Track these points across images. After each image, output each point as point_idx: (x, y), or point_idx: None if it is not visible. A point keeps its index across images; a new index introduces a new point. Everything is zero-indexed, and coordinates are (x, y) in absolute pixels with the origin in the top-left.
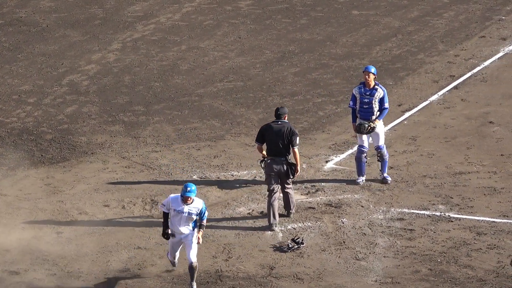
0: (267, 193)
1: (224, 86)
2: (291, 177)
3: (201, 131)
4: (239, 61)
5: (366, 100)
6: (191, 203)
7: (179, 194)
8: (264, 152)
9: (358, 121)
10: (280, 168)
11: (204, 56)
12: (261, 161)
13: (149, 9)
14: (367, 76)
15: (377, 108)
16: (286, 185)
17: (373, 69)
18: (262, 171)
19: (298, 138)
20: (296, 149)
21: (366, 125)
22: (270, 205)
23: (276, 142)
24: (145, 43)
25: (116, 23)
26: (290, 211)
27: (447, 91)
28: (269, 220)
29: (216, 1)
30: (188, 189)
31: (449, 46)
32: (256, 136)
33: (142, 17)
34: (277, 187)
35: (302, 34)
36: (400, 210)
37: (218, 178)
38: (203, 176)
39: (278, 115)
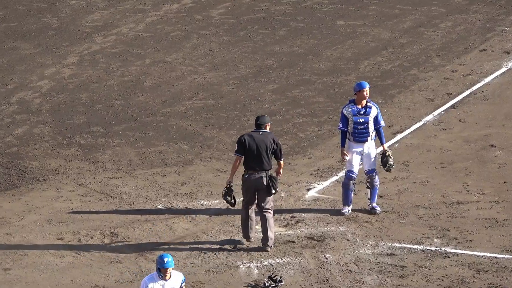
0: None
1: (193, 104)
2: (273, 192)
3: (167, 155)
4: (210, 76)
5: (361, 120)
6: (170, 278)
7: (153, 273)
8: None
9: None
10: (260, 183)
11: (170, 71)
12: (228, 190)
13: (109, 19)
14: (365, 93)
15: (372, 128)
16: (265, 206)
17: (368, 85)
18: (236, 200)
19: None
20: (282, 162)
21: (391, 160)
22: (247, 217)
23: (258, 155)
24: (105, 56)
25: (72, 34)
26: (268, 245)
27: (443, 111)
28: (245, 234)
29: (185, 9)
30: (166, 260)
31: (446, 61)
32: (236, 147)
33: (102, 27)
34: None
35: (281, 46)
36: (390, 244)
37: (186, 207)
38: (170, 206)
39: (258, 124)
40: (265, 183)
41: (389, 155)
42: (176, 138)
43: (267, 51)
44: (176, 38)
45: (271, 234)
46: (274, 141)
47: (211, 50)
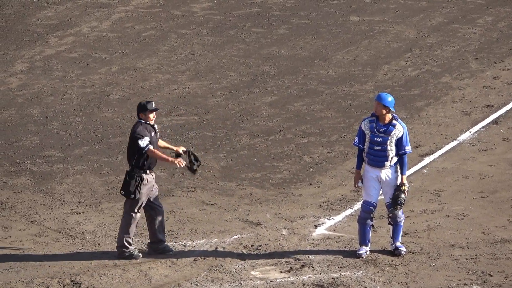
0: None
1: (172, 121)
2: (130, 197)
3: None
4: (192, 86)
5: (378, 140)
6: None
7: None
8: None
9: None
10: None
11: (143, 80)
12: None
13: (66, 15)
14: (383, 111)
15: (393, 152)
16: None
17: (390, 98)
18: (226, 240)
19: (140, 141)
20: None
21: (402, 197)
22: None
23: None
24: (61, 62)
25: (21, 34)
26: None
27: (483, 128)
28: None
29: (160, 4)
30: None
31: (486, 65)
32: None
33: (57, 26)
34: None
35: (280, 49)
36: None
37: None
38: (144, 247)
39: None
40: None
41: (404, 189)
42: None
43: (263, 54)
44: (150, 39)
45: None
46: (132, 131)
47: (193, 54)
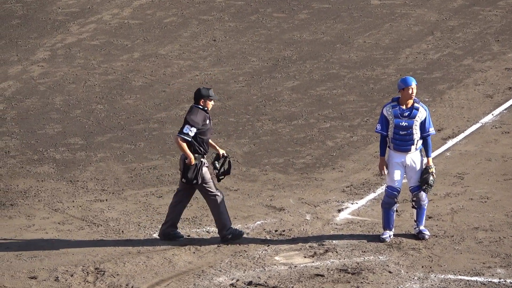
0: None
1: None
2: (193, 182)
3: (163, 172)
4: (214, 72)
5: (403, 124)
6: None
7: None
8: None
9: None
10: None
11: (165, 66)
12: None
13: (87, 3)
14: (410, 92)
15: (418, 135)
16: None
17: (414, 82)
18: (250, 225)
19: (187, 126)
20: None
21: (431, 179)
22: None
23: None
24: (83, 50)
25: (42, 23)
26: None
27: (505, 110)
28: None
29: None
30: None
31: (508, 47)
32: None
33: (78, 14)
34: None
35: (301, 33)
36: (443, 276)
37: (189, 236)
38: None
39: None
40: (180, 167)
41: (432, 172)
42: (174, 149)
43: (285, 39)
44: (171, 25)
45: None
46: (187, 114)
47: (214, 40)
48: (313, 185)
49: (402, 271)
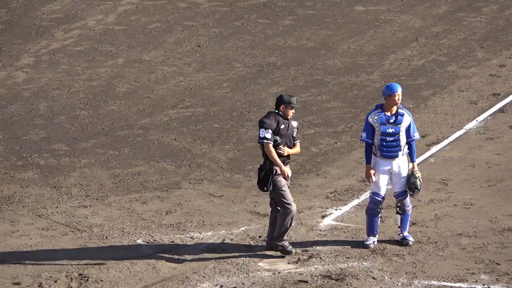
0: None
1: (178, 113)
2: (264, 189)
3: (147, 177)
4: (199, 78)
5: (390, 131)
6: None
7: None
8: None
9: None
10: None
11: (149, 72)
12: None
13: (71, 9)
14: (396, 98)
15: (404, 140)
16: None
17: (400, 88)
18: (234, 232)
19: (261, 130)
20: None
21: (419, 184)
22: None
23: None
24: (67, 56)
25: (26, 28)
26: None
27: (489, 116)
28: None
29: None
30: None
31: (492, 53)
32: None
33: (63, 20)
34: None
35: (286, 39)
36: (427, 282)
37: (172, 242)
38: (152, 240)
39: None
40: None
41: (418, 176)
42: (158, 156)
43: (269, 45)
44: (156, 31)
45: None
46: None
47: (199, 46)
48: (297, 191)
49: (386, 277)
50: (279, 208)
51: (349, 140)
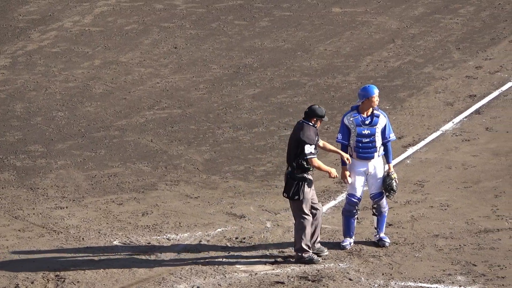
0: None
1: (154, 115)
2: (285, 195)
3: (123, 179)
4: (175, 80)
5: (366, 132)
6: None
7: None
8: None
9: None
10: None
11: (126, 73)
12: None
13: (48, 10)
14: (374, 100)
15: (380, 141)
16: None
17: (377, 90)
18: (210, 233)
19: (307, 146)
20: (312, 161)
21: (395, 185)
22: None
23: (288, 146)
24: (44, 57)
25: (3, 30)
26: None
27: (465, 118)
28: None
29: None
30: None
31: (468, 55)
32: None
33: (39, 21)
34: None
35: (263, 41)
36: (403, 283)
37: (149, 243)
38: (128, 241)
39: (306, 113)
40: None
41: (394, 177)
42: (135, 157)
43: (246, 47)
44: (132, 33)
45: (297, 245)
46: (300, 133)
47: (175, 47)
48: (273, 193)
49: (363, 278)
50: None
51: (325, 141)
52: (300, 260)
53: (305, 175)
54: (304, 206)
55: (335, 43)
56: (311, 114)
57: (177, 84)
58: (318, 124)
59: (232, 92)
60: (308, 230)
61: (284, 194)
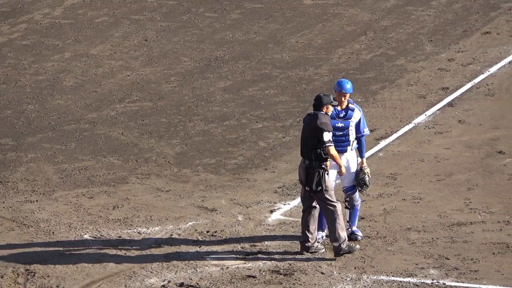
0: None
1: (125, 108)
2: (307, 189)
3: (94, 172)
4: (146, 72)
5: (339, 125)
6: None
7: None
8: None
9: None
10: (301, 174)
11: (96, 66)
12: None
13: (18, 2)
14: (342, 99)
15: (353, 135)
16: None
17: (348, 85)
18: (182, 226)
19: (325, 133)
20: (328, 149)
21: (368, 179)
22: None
23: (302, 140)
24: (14, 50)
25: None
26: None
27: (438, 110)
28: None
29: None
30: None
31: (441, 47)
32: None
33: (9, 13)
34: (308, 203)
35: (234, 33)
36: (375, 277)
37: (120, 237)
38: (99, 235)
39: (314, 105)
40: (303, 176)
41: (367, 172)
42: (105, 150)
43: (217, 39)
44: (103, 25)
45: (333, 233)
46: (316, 121)
47: (146, 40)
48: (245, 186)
49: (335, 272)
50: (313, 206)
51: (297, 134)
52: (339, 252)
53: (323, 165)
54: (328, 195)
55: (306, 35)
56: (319, 103)
57: (148, 77)
58: (329, 111)
59: (203, 85)
60: (341, 217)
61: (307, 187)
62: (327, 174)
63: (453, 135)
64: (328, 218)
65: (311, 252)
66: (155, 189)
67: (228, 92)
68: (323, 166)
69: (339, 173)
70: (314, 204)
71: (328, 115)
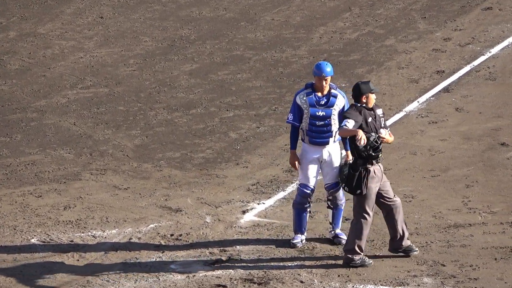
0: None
1: (78, 94)
2: (357, 192)
3: (42, 168)
4: (101, 54)
5: (320, 114)
6: None
7: None
8: None
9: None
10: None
11: (45, 47)
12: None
13: None
14: (323, 83)
15: (337, 125)
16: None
17: (329, 68)
18: (142, 229)
19: (347, 120)
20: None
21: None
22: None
23: None
24: None
25: None
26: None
27: (432, 97)
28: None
29: None
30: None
31: (435, 25)
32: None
33: None
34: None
35: (201, 10)
36: (362, 286)
37: (72, 241)
38: (48, 239)
39: (353, 95)
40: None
41: (347, 164)
42: (55, 142)
43: (181, 16)
44: (52, 1)
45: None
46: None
47: (101, 17)
48: (214, 183)
49: (316, 280)
50: (391, 205)
51: (273, 124)
52: (349, 263)
53: (369, 166)
54: (366, 203)
55: (283, 11)
56: (356, 94)
57: (104, 59)
58: (371, 101)
59: (166, 68)
60: (366, 232)
61: (346, 188)
62: (372, 177)
63: (450, 125)
64: (353, 226)
65: (354, 266)
66: (111, 187)
67: (195, 76)
68: (368, 167)
69: (358, 141)
70: (389, 202)
71: (364, 107)
